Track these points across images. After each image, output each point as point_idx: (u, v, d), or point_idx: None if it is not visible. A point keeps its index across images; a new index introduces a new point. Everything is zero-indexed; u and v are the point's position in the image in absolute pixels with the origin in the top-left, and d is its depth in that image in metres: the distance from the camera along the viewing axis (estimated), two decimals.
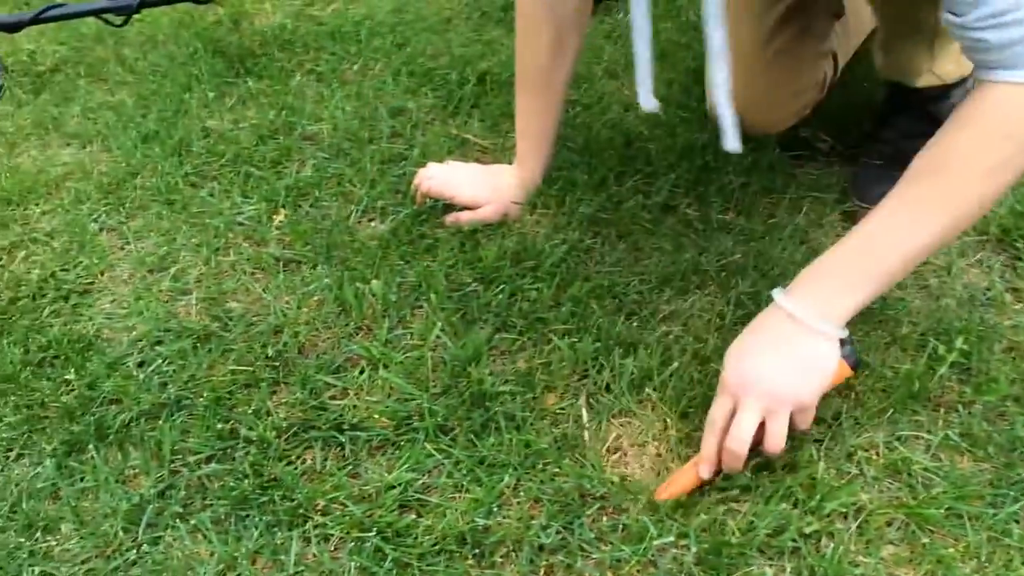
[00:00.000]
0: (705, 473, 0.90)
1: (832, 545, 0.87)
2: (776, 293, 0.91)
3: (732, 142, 1.04)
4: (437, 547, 0.89)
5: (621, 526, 0.90)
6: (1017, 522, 0.88)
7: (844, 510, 0.90)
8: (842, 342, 0.89)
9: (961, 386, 1.00)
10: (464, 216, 1.24)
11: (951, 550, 0.86)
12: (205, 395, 1.02)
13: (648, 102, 1.08)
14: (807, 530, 0.88)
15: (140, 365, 1.07)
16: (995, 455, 0.94)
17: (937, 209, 0.85)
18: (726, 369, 0.91)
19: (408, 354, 1.07)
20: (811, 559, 0.86)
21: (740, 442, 0.88)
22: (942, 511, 0.89)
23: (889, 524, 0.89)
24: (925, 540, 0.87)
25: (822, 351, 0.88)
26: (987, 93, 0.82)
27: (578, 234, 1.21)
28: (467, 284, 1.15)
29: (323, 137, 1.41)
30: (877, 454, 0.95)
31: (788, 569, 0.86)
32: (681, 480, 0.91)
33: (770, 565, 0.86)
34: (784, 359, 0.88)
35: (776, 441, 0.88)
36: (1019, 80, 0.80)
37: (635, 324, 1.09)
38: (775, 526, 0.88)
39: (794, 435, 0.91)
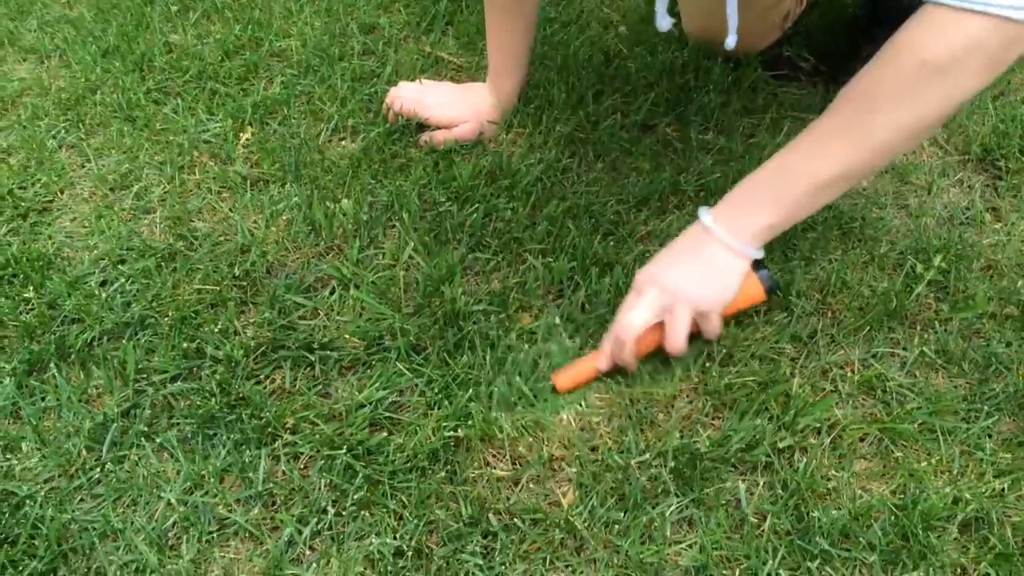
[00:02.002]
0: (602, 364, 0.93)
1: (805, 460, 0.87)
2: (701, 209, 0.93)
3: (661, 20, 1.11)
4: (409, 464, 0.88)
5: (593, 444, 0.89)
6: (990, 436, 0.88)
7: (818, 425, 0.89)
8: (759, 264, 0.93)
9: (938, 304, 0.99)
10: (438, 135, 1.21)
11: (924, 464, 0.86)
12: (170, 314, 0.99)
13: (663, 21, 1.11)
14: (781, 445, 0.88)
15: (102, 284, 1.04)
16: (970, 371, 0.94)
17: (849, 140, 0.84)
18: (640, 269, 0.94)
19: (380, 274, 1.05)
20: (784, 473, 0.86)
21: (626, 329, 0.90)
22: (915, 426, 0.89)
23: (862, 440, 0.89)
24: (898, 455, 0.87)
25: (727, 262, 0.91)
26: (915, 18, 0.79)
27: (555, 153, 1.18)
28: (441, 203, 1.12)
29: (291, 54, 1.36)
30: (852, 371, 0.94)
31: (761, 483, 0.86)
32: (579, 369, 0.93)
33: (743, 479, 0.86)
34: (689, 263, 0.92)
35: (674, 340, 0.90)
36: (943, 1, 0.76)
37: (612, 244, 1.07)
38: (748, 441, 0.87)
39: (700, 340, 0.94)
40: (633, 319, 0.91)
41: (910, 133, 0.83)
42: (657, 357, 0.94)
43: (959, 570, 0.79)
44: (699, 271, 0.91)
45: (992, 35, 0.76)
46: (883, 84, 0.81)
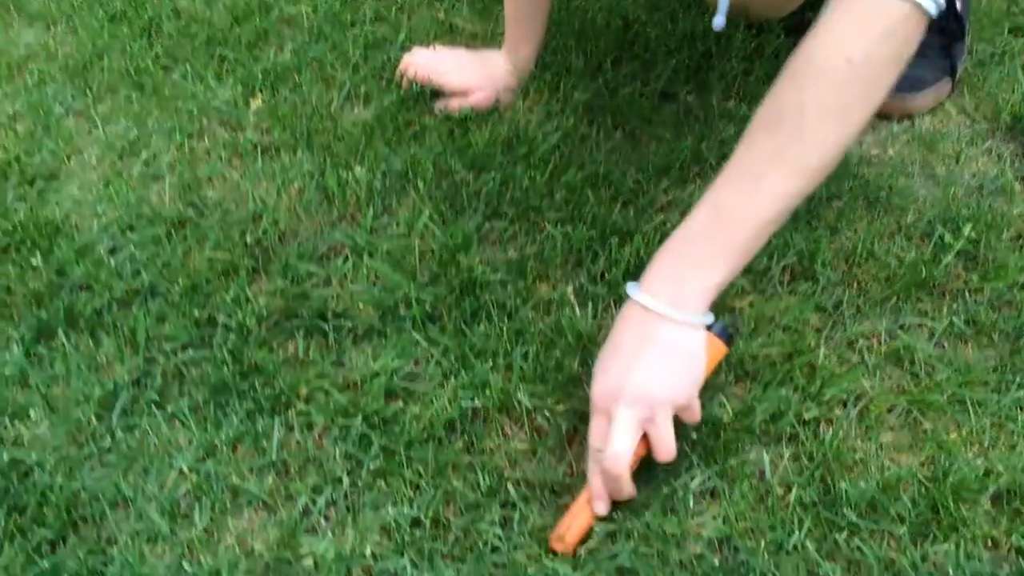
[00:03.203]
0: (601, 509, 0.78)
1: (831, 431, 0.84)
2: (630, 287, 0.81)
3: (719, 18, 0.97)
4: (425, 434, 0.86)
5: None
6: (1022, 408, 0.86)
7: (844, 397, 0.87)
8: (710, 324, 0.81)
9: (967, 274, 0.97)
10: (453, 103, 1.18)
11: (953, 436, 0.84)
12: (180, 282, 0.97)
13: (720, 19, 0.98)
14: (806, 416, 0.85)
15: (111, 252, 1.02)
16: (1000, 342, 0.91)
17: (784, 168, 0.76)
18: (593, 383, 0.80)
19: (394, 242, 1.02)
20: (809, 445, 0.84)
21: (616, 461, 0.76)
22: (944, 398, 0.86)
23: (890, 411, 0.87)
24: (927, 426, 0.85)
25: (685, 341, 0.78)
26: (827, 15, 0.75)
27: (572, 121, 1.15)
28: (456, 172, 1.09)
29: (302, 20, 1.34)
30: (879, 342, 0.92)
31: (786, 455, 0.84)
32: (577, 523, 0.78)
33: (767, 450, 0.84)
34: (646, 360, 0.77)
35: (665, 449, 0.78)
36: None
37: (631, 213, 1.04)
38: (773, 412, 0.85)
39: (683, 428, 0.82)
40: (619, 450, 0.76)
41: (841, 148, 0.77)
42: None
43: (990, 542, 0.77)
44: (661, 364, 0.77)
45: (904, 25, 0.74)
46: (807, 94, 0.75)
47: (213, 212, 1.06)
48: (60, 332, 0.94)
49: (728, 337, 0.83)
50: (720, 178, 0.78)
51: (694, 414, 0.80)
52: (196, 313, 0.94)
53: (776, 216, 0.78)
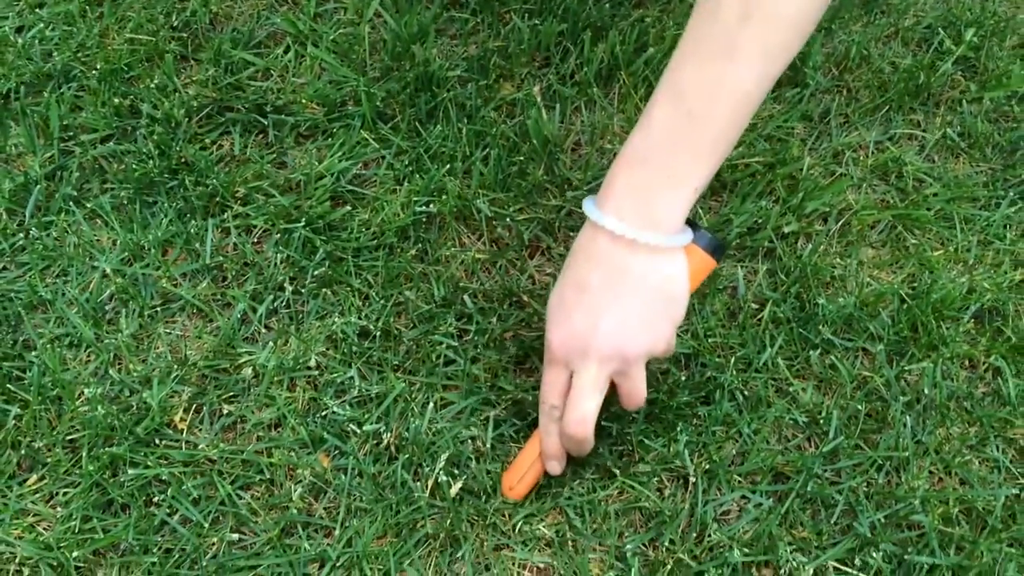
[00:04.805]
0: (555, 469, 0.68)
1: (810, 246, 0.79)
2: (587, 205, 0.64)
3: None
4: (375, 242, 0.79)
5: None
6: (1010, 225, 0.81)
7: (826, 210, 0.81)
8: (692, 227, 0.65)
9: (966, 82, 0.90)
10: None
11: (937, 253, 0.79)
12: (99, 67, 0.86)
13: None
14: (785, 230, 0.80)
15: (19, 31, 0.89)
16: (994, 156, 0.86)
17: (751, 26, 0.60)
18: (549, 328, 0.65)
19: (341, 31, 0.91)
20: (786, 260, 0.79)
21: (581, 423, 0.64)
22: (932, 213, 0.81)
23: (873, 227, 0.82)
24: (911, 243, 0.80)
25: (663, 271, 0.63)
26: None
27: None
28: None
29: None
30: (867, 153, 0.86)
31: (761, 270, 0.79)
32: (529, 475, 0.69)
33: (741, 265, 0.79)
34: (621, 305, 0.63)
35: (637, 398, 0.66)
36: None
37: (607, 6, 0.94)
38: (750, 225, 0.80)
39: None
40: (586, 411, 0.64)
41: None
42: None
43: (968, 362, 0.74)
44: (636, 311, 0.63)
45: None
46: None
47: None
48: None
49: (716, 247, 0.66)
50: (677, 55, 0.62)
51: (669, 351, 0.66)
52: (116, 101, 0.84)
53: (756, 89, 0.62)
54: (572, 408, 0.64)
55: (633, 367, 0.64)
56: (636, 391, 0.65)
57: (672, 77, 0.62)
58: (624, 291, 0.63)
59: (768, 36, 0.60)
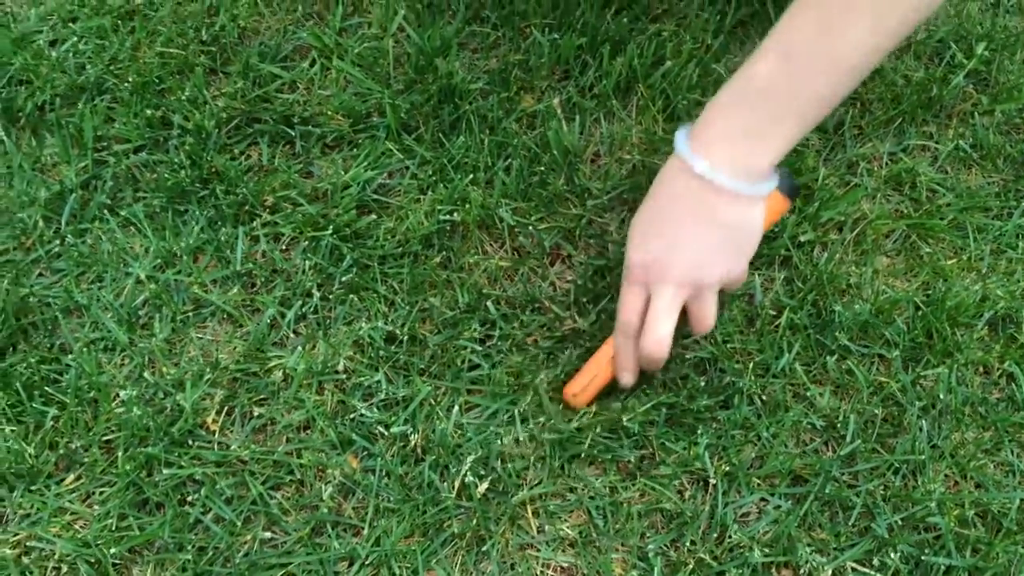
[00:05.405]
0: (628, 380, 0.73)
1: (826, 255, 0.81)
2: (680, 140, 0.68)
3: None
4: (400, 249, 0.81)
5: (601, 230, 0.82)
6: (1022, 235, 0.83)
7: (842, 219, 0.83)
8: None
9: (977, 95, 0.91)
10: None
11: (951, 261, 0.81)
12: (131, 79, 0.88)
13: None
14: (802, 239, 0.82)
15: (52, 44, 0.92)
16: (1005, 168, 0.87)
17: (867, 10, 0.62)
18: (630, 251, 0.70)
19: (366, 44, 0.93)
20: (803, 268, 0.80)
21: (659, 343, 0.69)
22: (945, 223, 0.83)
23: (888, 236, 0.83)
24: (925, 251, 0.82)
25: (747, 214, 0.68)
26: None
27: None
28: None
29: None
30: (880, 164, 0.88)
31: (778, 278, 0.80)
32: (595, 383, 0.74)
33: (759, 273, 0.81)
34: (702, 239, 0.68)
35: (706, 323, 0.71)
36: None
37: (625, 20, 0.96)
38: (768, 233, 0.81)
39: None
40: (663, 334, 0.69)
41: None
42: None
43: (983, 368, 0.76)
44: (716, 246, 0.68)
45: None
46: None
47: (164, 3, 0.95)
48: None
49: (793, 189, 0.72)
50: (792, 12, 0.64)
51: (740, 281, 0.72)
52: (148, 113, 0.86)
53: (864, 64, 0.64)
54: (651, 329, 0.69)
55: (706, 293, 0.70)
56: (706, 317, 0.71)
57: (783, 36, 0.64)
58: (704, 225, 0.67)
59: (884, 9, 0.62)
